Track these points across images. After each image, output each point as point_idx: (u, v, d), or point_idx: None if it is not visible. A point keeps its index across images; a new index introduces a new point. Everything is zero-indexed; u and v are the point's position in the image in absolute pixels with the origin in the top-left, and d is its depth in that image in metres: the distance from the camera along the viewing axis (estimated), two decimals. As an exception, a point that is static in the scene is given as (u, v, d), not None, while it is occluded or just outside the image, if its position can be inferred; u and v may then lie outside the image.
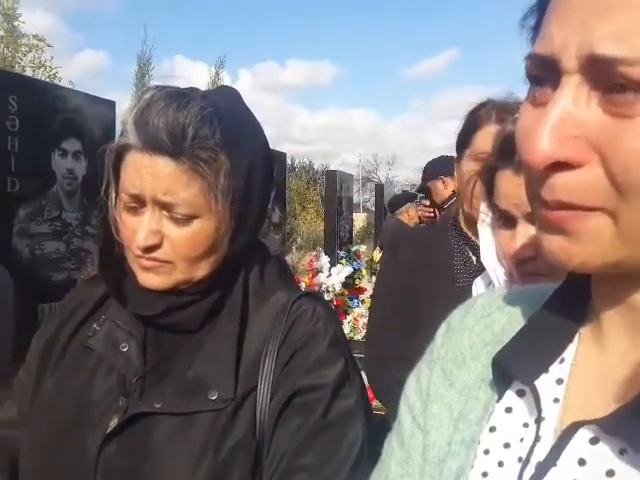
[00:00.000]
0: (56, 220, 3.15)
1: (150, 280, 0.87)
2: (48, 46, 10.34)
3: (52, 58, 10.45)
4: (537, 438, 0.49)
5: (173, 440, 0.83)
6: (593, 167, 0.42)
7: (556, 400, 0.51)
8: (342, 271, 5.85)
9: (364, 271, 6.46)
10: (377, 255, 6.26)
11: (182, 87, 0.90)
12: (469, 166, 1.46)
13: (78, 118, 3.30)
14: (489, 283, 1.18)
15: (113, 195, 0.89)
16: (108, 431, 0.84)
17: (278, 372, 0.86)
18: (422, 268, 1.51)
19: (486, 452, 0.53)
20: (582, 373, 0.51)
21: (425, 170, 3.90)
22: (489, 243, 1.13)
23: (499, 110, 1.39)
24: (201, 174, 0.83)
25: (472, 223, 1.44)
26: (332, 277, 5.75)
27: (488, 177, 1.05)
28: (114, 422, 0.85)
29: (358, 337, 5.21)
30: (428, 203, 4.17)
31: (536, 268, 0.95)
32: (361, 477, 0.67)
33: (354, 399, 0.88)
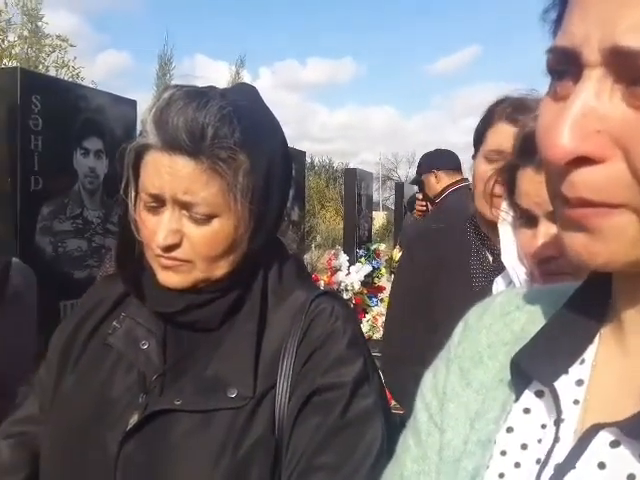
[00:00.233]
0: (78, 218, 3.19)
1: (170, 279, 0.88)
2: (71, 46, 10.47)
3: (75, 58, 10.60)
4: (556, 440, 0.49)
5: (192, 437, 0.83)
6: (616, 162, 0.41)
7: (576, 402, 0.50)
8: (361, 270, 5.83)
9: (383, 270, 6.44)
10: (396, 254, 6.23)
11: (201, 86, 0.90)
12: (480, 163, 1.45)
13: (100, 117, 3.34)
14: (509, 282, 1.17)
15: (133, 194, 0.89)
16: (128, 428, 0.85)
17: (297, 371, 0.86)
18: (437, 267, 1.50)
19: (503, 453, 0.52)
20: (603, 374, 0.50)
21: (419, 164, 3.86)
22: (510, 242, 1.12)
23: (513, 108, 1.37)
24: (220, 173, 0.83)
25: (486, 222, 1.43)
26: (351, 276, 5.74)
27: (509, 176, 1.04)
28: (134, 419, 0.85)
29: (377, 336, 5.20)
30: (421, 197, 4.15)
31: (558, 267, 0.94)
32: (380, 476, 0.67)
33: (373, 398, 0.88)
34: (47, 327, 1.35)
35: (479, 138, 1.49)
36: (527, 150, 0.95)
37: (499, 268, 1.30)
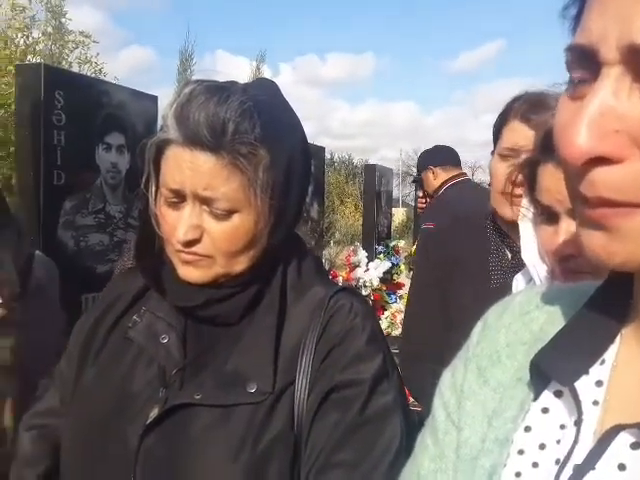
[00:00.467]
0: (100, 213, 3.23)
1: (190, 274, 0.88)
2: (94, 42, 10.56)
3: (98, 54, 10.68)
4: (576, 440, 0.48)
5: (212, 432, 0.84)
6: (634, 162, 0.40)
7: (595, 402, 0.50)
8: (380, 266, 5.82)
9: (402, 266, 6.42)
10: (416, 250, 6.22)
11: (222, 81, 0.89)
12: (495, 161, 1.45)
13: (122, 113, 3.37)
14: (530, 279, 1.16)
15: (153, 189, 0.89)
16: (148, 422, 0.85)
17: (316, 367, 0.86)
18: (454, 265, 1.50)
19: (520, 452, 0.52)
20: (623, 375, 0.50)
21: (418, 162, 3.91)
22: (530, 239, 1.11)
23: (529, 105, 1.36)
24: (241, 169, 0.83)
25: (502, 219, 1.42)
26: (370, 272, 5.74)
27: (529, 171, 1.03)
28: (154, 413, 0.86)
29: (396, 333, 5.19)
30: (421, 194, 4.17)
31: (579, 265, 0.93)
32: (399, 474, 0.67)
33: (392, 395, 0.87)
34: (69, 320, 1.37)
35: (496, 135, 1.49)
36: (549, 146, 0.93)
37: (518, 265, 1.29)
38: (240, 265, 0.89)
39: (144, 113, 3.53)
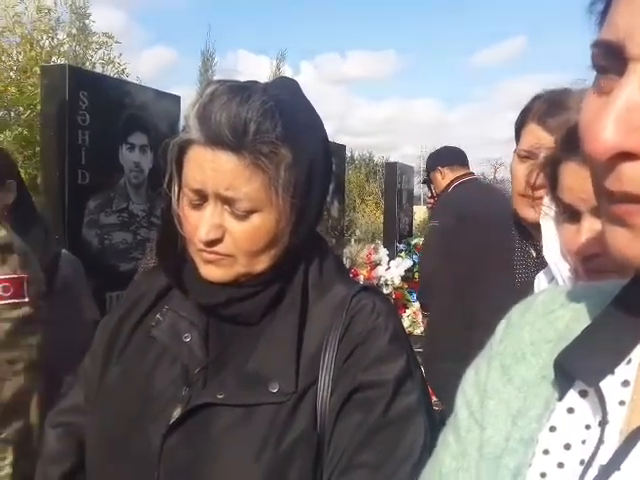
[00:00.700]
0: (124, 211, 3.27)
1: (212, 273, 0.88)
2: (117, 43, 10.68)
3: (121, 55, 10.79)
4: (601, 441, 0.48)
5: (235, 431, 0.84)
6: None
7: (622, 403, 0.49)
8: (401, 264, 5.81)
9: (424, 264, 6.38)
10: (437, 248, 6.18)
11: (243, 81, 0.90)
12: (514, 161, 1.44)
13: (144, 113, 3.41)
14: (552, 279, 1.15)
15: (176, 189, 0.90)
16: (171, 421, 0.85)
17: (339, 366, 0.86)
18: (479, 264, 1.49)
19: (545, 452, 0.52)
20: None
21: (426, 163, 4.01)
22: (552, 238, 1.10)
23: (548, 106, 1.35)
24: (262, 168, 0.83)
25: (522, 219, 1.41)
26: (391, 270, 5.73)
27: (551, 170, 1.02)
28: (177, 412, 0.86)
29: (418, 331, 5.17)
30: (429, 195, 4.27)
31: (602, 264, 0.92)
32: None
33: (415, 396, 0.87)
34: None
35: (517, 134, 1.48)
36: (571, 143, 0.93)
37: (542, 263, 1.28)
38: (261, 264, 0.89)
39: (167, 113, 3.56)
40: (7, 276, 1.16)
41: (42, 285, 1.30)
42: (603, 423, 0.48)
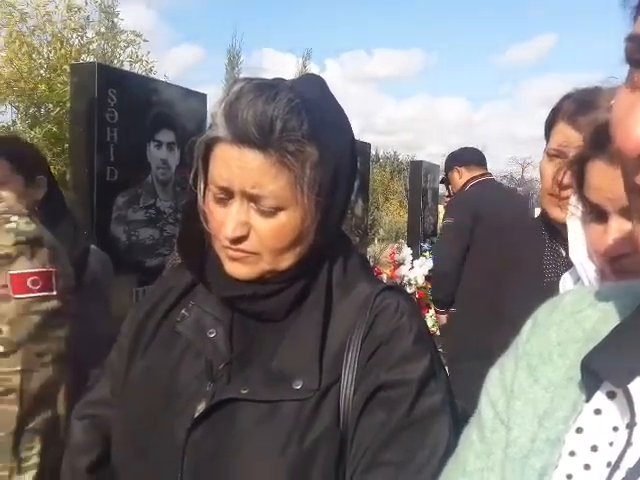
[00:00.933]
0: (151, 208, 3.31)
1: (237, 270, 0.89)
2: (144, 41, 10.79)
3: (149, 53, 10.89)
4: (629, 443, 0.47)
5: (258, 427, 0.84)
6: None
7: None
8: (425, 264, 5.77)
9: (448, 264, 6.33)
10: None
11: (269, 78, 0.90)
12: (543, 160, 1.43)
13: (172, 110, 3.44)
14: (577, 279, 1.13)
15: (202, 186, 0.90)
16: (196, 415, 0.86)
17: (362, 365, 0.86)
18: (508, 264, 1.48)
19: (572, 454, 0.51)
20: None
21: (445, 162, 4.10)
22: (578, 238, 1.09)
23: (577, 105, 1.34)
24: (288, 166, 0.83)
25: (551, 218, 1.40)
26: (415, 270, 5.70)
27: (579, 169, 1.01)
28: (202, 406, 0.87)
29: (441, 331, 5.14)
30: (447, 194, 4.35)
31: (630, 265, 0.90)
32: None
33: (440, 396, 0.86)
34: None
35: (546, 133, 1.47)
36: (599, 142, 0.91)
37: (572, 263, 1.27)
38: (286, 262, 0.89)
39: (194, 111, 3.59)
40: (36, 270, 1.18)
41: (71, 279, 1.32)
42: (631, 425, 0.48)
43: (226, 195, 0.87)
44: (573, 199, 1.08)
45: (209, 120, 0.89)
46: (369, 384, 0.85)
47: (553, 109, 1.43)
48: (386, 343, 0.87)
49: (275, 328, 0.91)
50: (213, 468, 0.85)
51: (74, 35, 9.98)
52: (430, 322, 5.31)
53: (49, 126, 9.16)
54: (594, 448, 0.50)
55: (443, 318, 3.73)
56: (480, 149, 4.12)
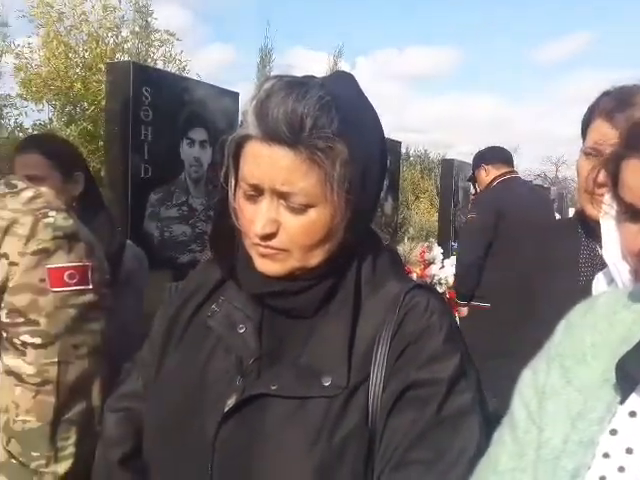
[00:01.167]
0: (183, 205, 3.36)
1: (267, 266, 0.89)
2: (178, 40, 10.92)
3: (182, 52, 11.03)
4: None
5: (288, 422, 0.84)
6: None
7: None
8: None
9: (480, 263, 6.27)
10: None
11: (300, 76, 0.90)
12: (580, 158, 1.41)
13: (205, 109, 3.48)
14: (611, 280, 1.11)
15: (233, 183, 0.91)
16: (226, 410, 0.87)
17: (391, 364, 0.86)
18: (543, 264, 1.46)
19: (605, 455, 0.51)
20: None
21: (472, 160, 4.14)
22: (612, 237, 1.07)
23: (616, 102, 1.31)
24: (318, 163, 0.83)
25: (587, 217, 1.38)
26: (445, 269, 5.65)
27: (613, 167, 0.99)
28: (232, 401, 0.87)
29: (471, 331, 5.08)
30: (473, 192, 4.45)
31: None
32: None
33: (470, 395, 0.85)
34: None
35: (583, 131, 1.45)
36: (635, 139, 0.89)
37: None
38: (316, 259, 0.89)
39: (226, 109, 3.62)
40: (73, 264, 1.20)
41: (106, 273, 1.33)
42: None
43: (256, 192, 0.87)
44: (607, 198, 1.06)
45: (240, 118, 0.90)
46: (398, 383, 0.84)
47: (590, 106, 1.41)
48: (416, 342, 0.86)
49: (304, 325, 0.91)
50: (243, 462, 0.85)
51: (109, 34, 10.16)
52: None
53: (84, 124, 9.35)
54: (629, 450, 0.50)
55: (464, 310, 3.81)
56: (512, 148, 4.18)
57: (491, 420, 0.88)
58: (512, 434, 0.61)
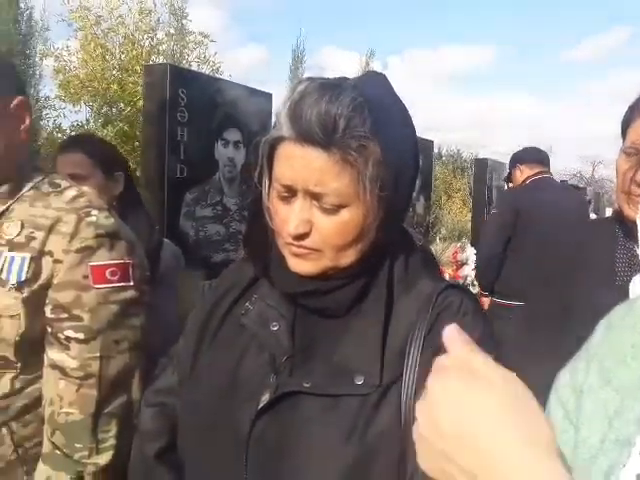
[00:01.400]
0: (218, 205, 3.40)
1: (300, 266, 0.90)
2: (211, 42, 11.02)
3: (216, 53, 11.13)
4: None
5: (321, 419, 0.85)
6: None
7: None
8: (489, 264, 5.65)
9: (513, 265, 6.18)
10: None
11: (333, 78, 0.90)
12: (619, 157, 1.39)
13: (238, 109, 3.51)
14: None
15: (266, 184, 0.92)
16: (260, 406, 0.87)
17: (423, 364, 0.85)
18: (579, 265, 1.45)
19: None
20: None
21: (509, 160, 4.23)
22: None
23: None
24: (351, 163, 0.84)
25: (625, 216, 1.36)
26: (469, 266, 5.59)
27: None
28: (265, 398, 0.88)
29: (504, 332, 5.02)
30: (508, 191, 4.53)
31: None
32: None
33: None
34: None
35: (623, 130, 1.42)
36: None
37: None
38: (348, 258, 0.89)
39: (259, 110, 3.65)
40: (115, 261, 1.22)
41: (146, 270, 1.35)
42: None
43: (289, 193, 0.88)
44: None
45: (274, 119, 0.91)
46: None
47: (631, 106, 1.39)
48: None
49: (336, 324, 0.92)
50: (276, 458, 0.86)
51: (145, 37, 10.31)
52: (493, 323, 5.20)
53: (120, 125, 9.50)
54: None
55: (485, 302, 3.85)
56: (546, 148, 4.19)
57: None
58: None
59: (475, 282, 5.43)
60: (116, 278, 1.21)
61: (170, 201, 3.07)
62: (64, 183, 1.30)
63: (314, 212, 0.87)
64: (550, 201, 3.50)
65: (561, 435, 0.59)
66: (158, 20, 10.52)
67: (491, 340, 0.90)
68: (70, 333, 1.17)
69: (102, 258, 1.20)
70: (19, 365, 1.18)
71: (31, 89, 9.63)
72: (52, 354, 1.19)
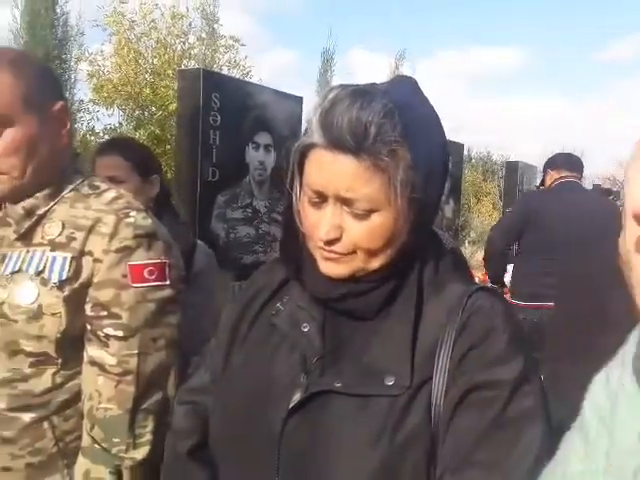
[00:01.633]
0: (248, 207, 3.43)
1: (331, 269, 0.91)
2: (242, 46, 11.10)
3: (246, 57, 11.20)
4: None
5: (352, 419, 0.86)
6: None
7: None
8: (519, 267, 5.57)
9: (544, 269, 6.08)
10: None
11: (363, 84, 0.91)
12: None
13: (269, 113, 3.54)
14: None
15: (298, 189, 0.93)
16: (291, 406, 0.88)
17: (454, 366, 0.85)
18: (611, 267, 1.43)
19: None
20: None
21: (543, 165, 4.30)
22: None
23: None
24: (382, 169, 0.84)
25: None
26: (508, 273, 5.52)
27: None
28: (297, 397, 0.89)
29: (534, 336, 4.95)
30: None
31: None
32: (539, 477, 0.66)
33: (533, 399, 0.84)
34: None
35: None
36: None
37: None
38: (378, 262, 0.90)
39: (290, 113, 3.67)
40: (152, 261, 1.24)
41: (181, 270, 1.37)
42: None
43: (320, 198, 0.89)
44: None
45: (304, 125, 0.92)
46: (461, 385, 0.84)
47: None
48: (479, 344, 0.86)
49: (366, 326, 0.92)
50: (308, 457, 0.87)
51: (177, 41, 10.42)
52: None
53: (152, 128, 9.61)
54: None
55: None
56: (578, 151, 4.21)
57: (557, 426, 0.87)
58: (582, 438, 0.60)
59: (506, 285, 5.38)
60: (153, 277, 1.23)
61: (202, 203, 3.11)
62: (103, 185, 1.33)
63: (345, 217, 0.88)
64: (570, 205, 3.53)
65: (595, 440, 0.58)
66: (190, 24, 10.63)
67: (522, 342, 0.90)
68: (109, 331, 1.20)
69: (140, 258, 1.22)
70: (60, 361, 1.21)
71: (67, 93, 9.82)
72: (91, 351, 1.21)
